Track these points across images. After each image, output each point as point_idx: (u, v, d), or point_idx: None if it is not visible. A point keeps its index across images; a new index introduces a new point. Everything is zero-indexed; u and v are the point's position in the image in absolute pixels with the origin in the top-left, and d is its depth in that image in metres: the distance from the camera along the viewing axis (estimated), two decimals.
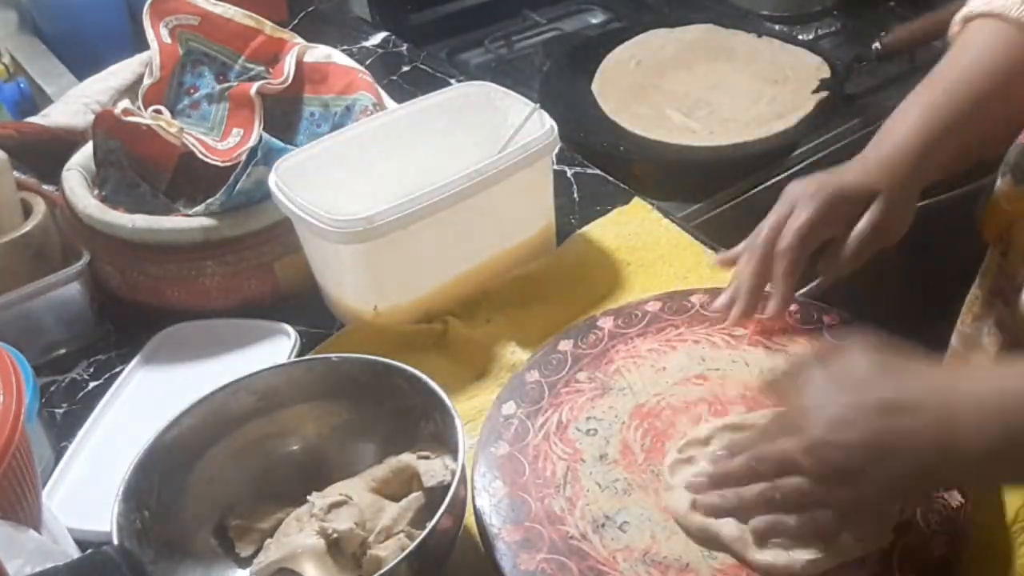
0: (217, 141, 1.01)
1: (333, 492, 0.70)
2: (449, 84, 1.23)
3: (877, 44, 1.37)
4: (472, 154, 0.92)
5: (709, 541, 0.67)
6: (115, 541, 0.62)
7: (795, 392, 0.64)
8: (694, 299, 0.86)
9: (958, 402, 0.58)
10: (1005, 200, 0.83)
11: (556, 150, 0.93)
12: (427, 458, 0.71)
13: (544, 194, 0.96)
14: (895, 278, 1.24)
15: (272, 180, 0.87)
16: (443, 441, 0.71)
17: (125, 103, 0.98)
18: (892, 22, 1.50)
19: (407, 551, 0.61)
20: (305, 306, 0.93)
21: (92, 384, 0.89)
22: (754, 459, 0.65)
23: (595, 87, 1.34)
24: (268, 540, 0.69)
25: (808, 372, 0.64)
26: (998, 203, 0.84)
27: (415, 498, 0.70)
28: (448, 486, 0.64)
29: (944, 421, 0.58)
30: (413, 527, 0.68)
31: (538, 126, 0.92)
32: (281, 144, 0.90)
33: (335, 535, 0.66)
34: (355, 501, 0.69)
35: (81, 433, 0.81)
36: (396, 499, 0.70)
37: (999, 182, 0.84)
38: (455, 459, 0.67)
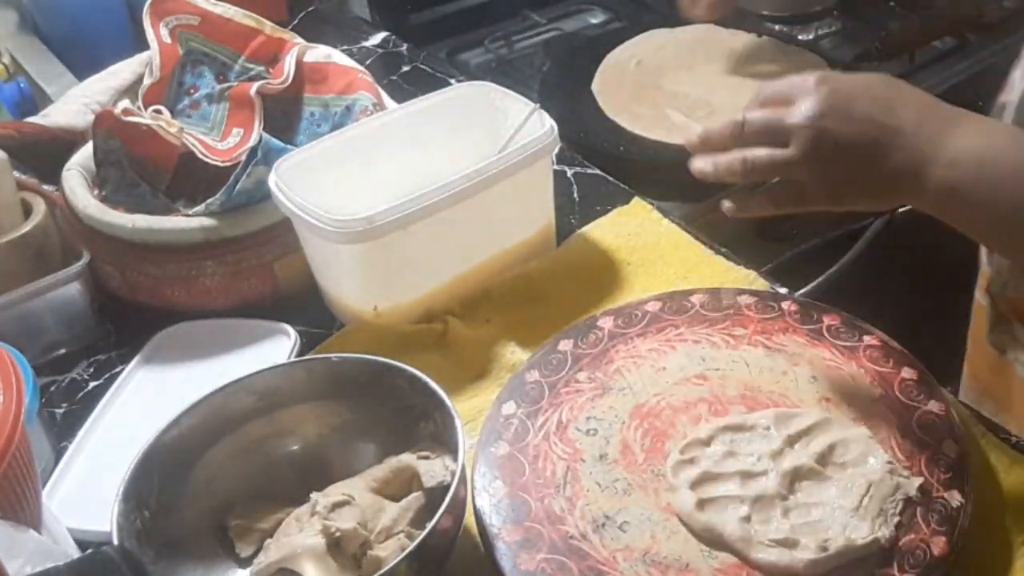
0: (217, 141, 1.01)
1: (335, 492, 0.70)
2: (449, 84, 1.23)
3: (877, 44, 1.37)
4: (472, 154, 0.92)
5: (713, 540, 0.67)
6: (115, 541, 0.62)
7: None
8: (694, 299, 0.86)
9: (947, 133, 0.61)
10: None
11: (556, 150, 0.93)
12: (427, 458, 0.71)
13: (544, 194, 0.96)
14: (897, 278, 1.24)
15: (272, 180, 0.87)
16: (443, 441, 0.71)
17: (125, 103, 0.98)
18: (892, 22, 1.50)
19: (407, 551, 0.61)
20: (305, 306, 0.93)
21: (92, 384, 0.89)
22: (741, 121, 0.66)
23: (595, 87, 1.34)
24: (268, 540, 0.69)
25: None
26: None
27: (415, 498, 0.70)
28: (448, 486, 0.64)
29: (930, 141, 0.61)
30: (413, 527, 0.68)
31: (538, 126, 0.92)
32: (281, 144, 0.90)
33: (338, 534, 0.66)
34: (356, 501, 0.69)
35: (81, 433, 0.81)
36: (396, 499, 0.70)
37: None
38: (455, 459, 0.67)
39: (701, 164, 0.70)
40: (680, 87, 1.32)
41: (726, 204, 0.70)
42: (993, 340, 0.89)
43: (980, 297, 0.93)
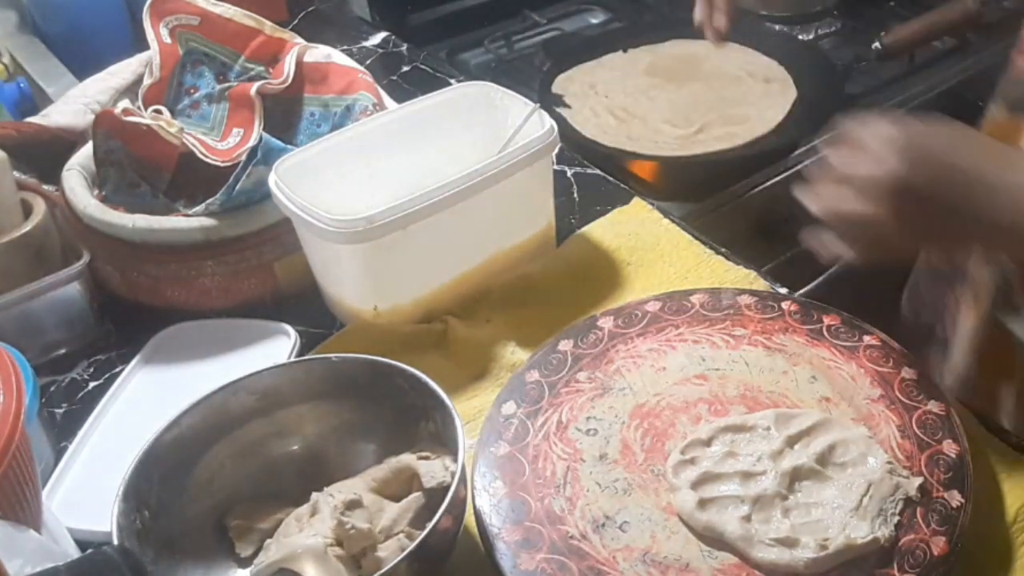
0: (217, 141, 1.01)
1: (346, 491, 0.70)
2: (449, 84, 1.23)
3: (877, 44, 1.37)
4: (472, 154, 0.92)
5: (714, 540, 0.67)
6: (115, 541, 0.62)
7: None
8: (694, 299, 0.86)
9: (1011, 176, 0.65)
10: (993, 123, 0.89)
11: (556, 150, 0.93)
12: (427, 459, 0.71)
13: (544, 194, 0.96)
14: (896, 278, 1.24)
15: (272, 180, 0.87)
16: (443, 441, 0.71)
17: (125, 103, 0.98)
18: (892, 22, 1.50)
19: (407, 551, 0.61)
20: (305, 306, 0.93)
21: (92, 384, 0.89)
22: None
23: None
24: (268, 540, 0.69)
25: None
26: (988, 126, 0.89)
27: (415, 498, 0.70)
28: (448, 486, 0.64)
29: (999, 187, 0.65)
30: (413, 527, 0.68)
31: (538, 126, 0.92)
32: (281, 144, 0.90)
33: (353, 531, 0.66)
34: (365, 503, 0.69)
35: (81, 433, 0.81)
36: (396, 500, 0.70)
37: (992, 108, 0.89)
38: (455, 459, 0.67)
39: (804, 197, 0.72)
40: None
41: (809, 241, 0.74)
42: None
43: None
